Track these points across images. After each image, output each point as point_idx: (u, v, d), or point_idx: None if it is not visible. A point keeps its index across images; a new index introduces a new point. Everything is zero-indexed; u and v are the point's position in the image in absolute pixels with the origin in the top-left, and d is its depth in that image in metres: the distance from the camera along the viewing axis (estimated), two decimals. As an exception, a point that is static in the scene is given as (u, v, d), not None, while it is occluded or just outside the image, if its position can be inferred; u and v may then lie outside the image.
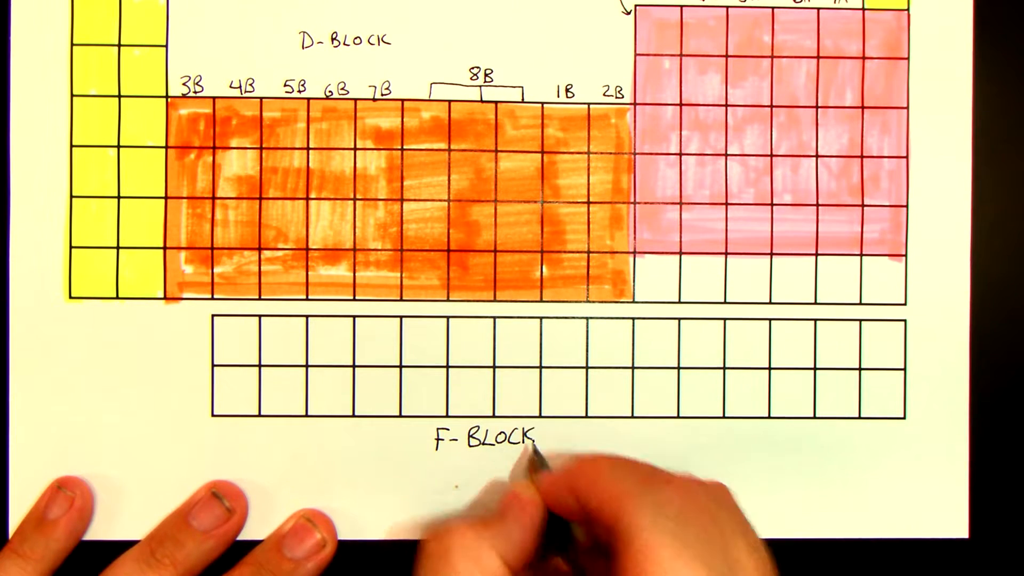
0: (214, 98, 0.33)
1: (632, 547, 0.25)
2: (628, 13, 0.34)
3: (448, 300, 0.33)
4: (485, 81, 0.33)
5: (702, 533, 0.26)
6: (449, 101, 0.33)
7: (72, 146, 0.33)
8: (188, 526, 0.31)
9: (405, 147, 0.33)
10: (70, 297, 0.33)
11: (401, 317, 0.33)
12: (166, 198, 0.33)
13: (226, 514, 0.32)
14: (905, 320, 0.34)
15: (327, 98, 0.33)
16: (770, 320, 0.34)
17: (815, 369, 0.34)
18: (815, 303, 0.34)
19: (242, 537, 0.33)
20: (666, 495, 0.26)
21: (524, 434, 0.33)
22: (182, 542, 0.31)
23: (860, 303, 0.34)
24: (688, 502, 0.26)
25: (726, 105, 0.34)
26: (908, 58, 0.34)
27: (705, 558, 0.25)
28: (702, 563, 0.25)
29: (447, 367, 0.33)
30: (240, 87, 0.33)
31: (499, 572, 0.27)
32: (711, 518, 0.26)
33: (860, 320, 0.34)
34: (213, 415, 0.33)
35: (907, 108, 0.34)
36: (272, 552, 0.31)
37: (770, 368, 0.34)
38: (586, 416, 0.33)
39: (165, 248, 0.33)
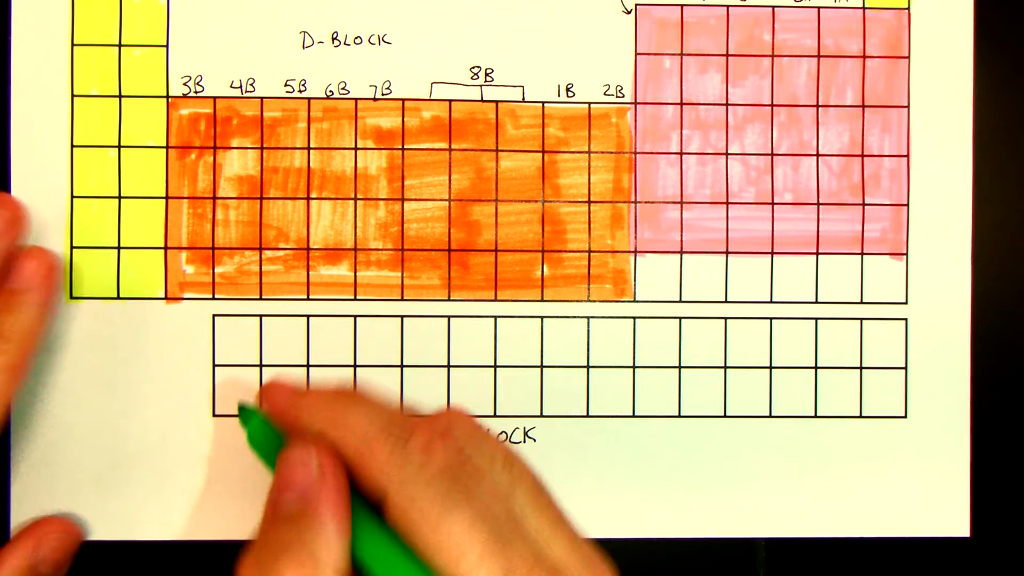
0: (215, 98, 0.33)
1: (390, 506, 0.24)
2: (628, 12, 0.34)
3: (449, 300, 0.33)
4: (486, 81, 0.33)
5: (465, 486, 0.24)
6: (450, 101, 0.33)
7: (73, 146, 0.33)
8: None
9: (406, 147, 0.33)
10: (71, 297, 0.33)
11: (402, 317, 0.33)
12: (167, 198, 0.33)
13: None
14: (906, 319, 0.34)
15: (328, 98, 0.33)
16: (771, 319, 0.34)
17: (816, 368, 0.34)
18: (816, 302, 0.34)
19: (242, 537, 0.33)
20: (411, 445, 0.25)
21: (525, 433, 0.33)
22: None
23: (861, 302, 0.34)
24: (435, 447, 0.25)
25: (727, 104, 0.34)
26: (909, 57, 0.34)
27: (473, 503, 0.24)
28: (474, 520, 0.23)
29: (448, 367, 0.33)
30: (241, 87, 0.33)
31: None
32: (463, 458, 0.25)
33: (861, 319, 0.34)
34: (214, 415, 0.33)
35: (908, 107, 0.34)
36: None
37: (771, 367, 0.34)
38: (587, 416, 0.33)
39: (166, 248, 0.33)
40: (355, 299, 0.33)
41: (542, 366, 0.33)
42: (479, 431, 0.27)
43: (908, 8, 0.34)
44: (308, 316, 0.33)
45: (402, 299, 0.33)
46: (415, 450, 0.25)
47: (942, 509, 0.34)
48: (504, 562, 0.23)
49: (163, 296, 0.33)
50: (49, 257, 0.31)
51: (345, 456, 0.25)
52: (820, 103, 0.34)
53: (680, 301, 0.34)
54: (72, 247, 0.33)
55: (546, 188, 0.34)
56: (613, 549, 0.34)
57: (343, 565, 0.24)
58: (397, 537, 0.24)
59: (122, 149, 0.33)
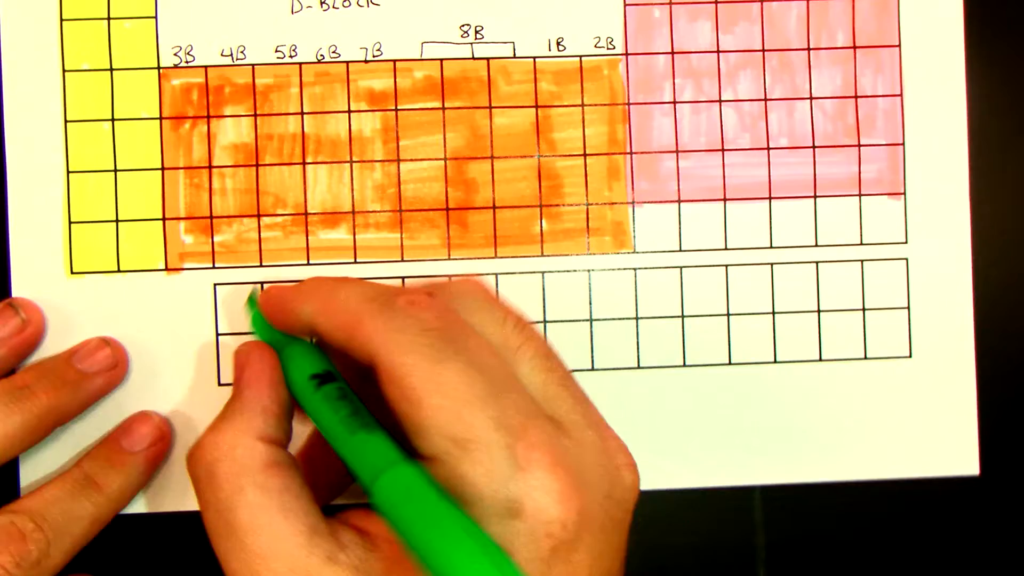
0: (206, 67, 0.33)
1: (380, 370, 0.23)
2: (616, -37, 0.34)
3: (449, 259, 0.33)
4: (476, 38, 0.33)
5: (455, 339, 0.24)
6: (441, 60, 0.33)
7: (67, 121, 0.33)
8: None
9: (399, 108, 0.33)
10: (72, 273, 0.33)
11: (403, 278, 0.33)
12: (163, 169, 0.33)
13: (21, 324, 0.31)
14: (907, 259, 0.34)
15: (319, 62, 0.33)
16: (771, 264, 0.34)
17: (819, 312, 0.34)
18: (816, 245, 0.34)
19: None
20: (396, 306, 0.24)
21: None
22: None
23: (861, 243, 0.34)
24: (420, 305, 0.24)
25: (718, 52, 0.34)
26: (898, -8, 0.34)
27: (463, 355, 0.23)
28: (467, 369, 0.23)
29: (451, 325, 0.33)
30: (231, 55, 0.33)
31: (267, 456, 0.24)
32: (452, 316, 0.24)
33: (862, 260, 0.34)
34: (220, 384, 0.33)
35: (899, 46, 0.34)
36: (61, 361, 0.31)
37: (774, 312, 0.34)
38: (592, 369, 0.33)
39: (164, 219, 0.33)
40: (355, 262, 0.33)
41: (544, 321, 0.33)
42: (488, 295, 0.26)
43: (895, -52, 0.34)
44: (309, 282, 0.33)
45: (402, 260, 0.33)
46: (400, 311, 0.24)
47: (951, 448, 0.34)
48: (496, 410, 0.22)
49: (163, 267, 0.33)
50: (162, 423, 0.32)
51: (339, 336, 0.25)
52: (811, 47, 0.34)
53: (680, 250, 0.34)
54: (70, 222, 0.33)
55: (541, 143, 0.33)
56: (624, 498, 0.34)
57: (266, 432, 0.25)
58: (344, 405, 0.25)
59: (116, 122, 0.33)
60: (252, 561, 0.23)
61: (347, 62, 0.33)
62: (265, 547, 0.23)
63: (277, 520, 0.23)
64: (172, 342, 0.33)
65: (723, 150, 0.34)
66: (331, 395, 0.26)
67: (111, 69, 0.33)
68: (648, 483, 0.34)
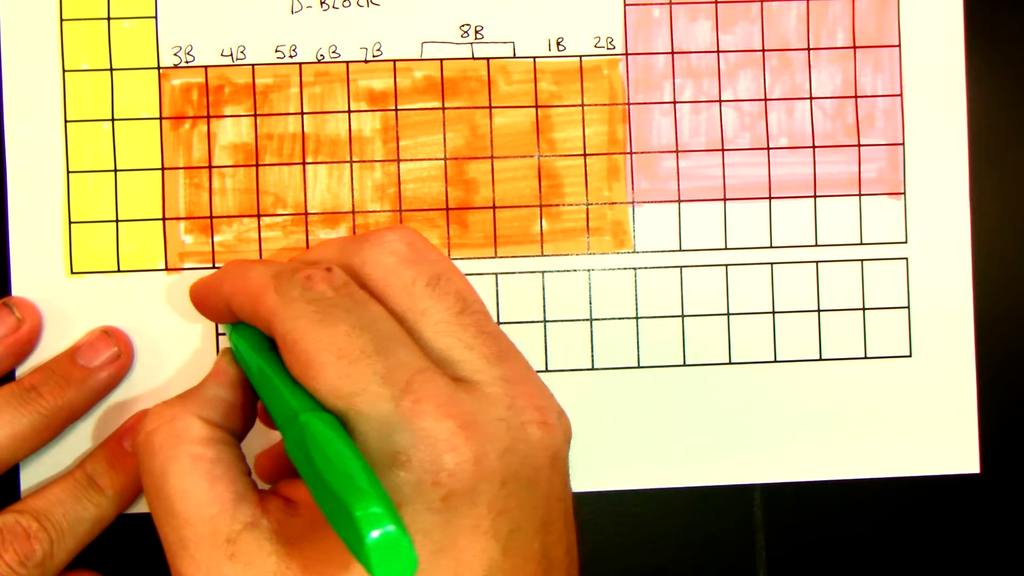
0: (206, 67, 0.33)
1: (277, 338, 0.24)
2: (616, -37, 0.34)
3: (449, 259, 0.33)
4: (476, 38, 0.33)
5: (345, 305, 0.24)
6: (441, 60, 0.33)
7: (66, 121, 0.33)
8: None
9: (399, 107, 0.33)
10: (72, 272, 0.33)
11: (403, 278, 0.33)
12: (163, 169, 0.33)
13: (16, 323, 0.31)
14: (907, 258, 0.34)
15: (319, 62, 0.33)
16: (772, 264, 0.34)
17: (819, 311, 0.34)
18: (816, 245, 0.34)
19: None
20: (297, 282, 0.24)
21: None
22: None
23: (861, 243, 0.34)
24: (316, 279, 0.24)
25: (718, 51, 0.34)
26: (898, -9, 0.34)
27: (352, 319, 0.23)
28: (353, 329, 0.23)
29: (451, 325, 0.33)
30: (231, 55, 0.33)
31: (204, 432, 0.25)
32: (348, 288, 0.24)
33: (862, 260, 0.34)
34: (220, 384, 0.33)
35: (899, 46, 0.34)
36: (65, 360, 0.31)
37: (774, 312, 0.34)
38: (592, 368, 0.33)
39: (164, 219, 0.33)
40: (355, 262, 0.33)
41: (545, 320, 0.33)
42: (404, 255, 0.26)
43: (895, -53, 0.34)
44: (309, 281, 0.33)
45: (402, 260, 0.33)
46: (296, 284, 0.24)
47: (951, 446, 0.34)
48: (382, 366, 0.23)
49: (163, 267, 0.33)
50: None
51: (247, 312, 0.25)
52: (811, 46, 0.34)
53: (680, 250, 0.34)
54: (71, 222, 0.33)
55: (541, 143, 0.33)
56: (621, 501, 0.34)
57: (208, 415, 0.25)
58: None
59: (116, 122, 0.33)
60: (180, 527, 0.23)
61: (347, 62, 0.33)
62: (192, 513, 0.23)
63: (204, 487, 0.24)
64: (172, 342, 0.33)
65: (723, 150, 0.34)
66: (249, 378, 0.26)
67: (111, 69, 0.33)
68: (648, 483, 0.34)
